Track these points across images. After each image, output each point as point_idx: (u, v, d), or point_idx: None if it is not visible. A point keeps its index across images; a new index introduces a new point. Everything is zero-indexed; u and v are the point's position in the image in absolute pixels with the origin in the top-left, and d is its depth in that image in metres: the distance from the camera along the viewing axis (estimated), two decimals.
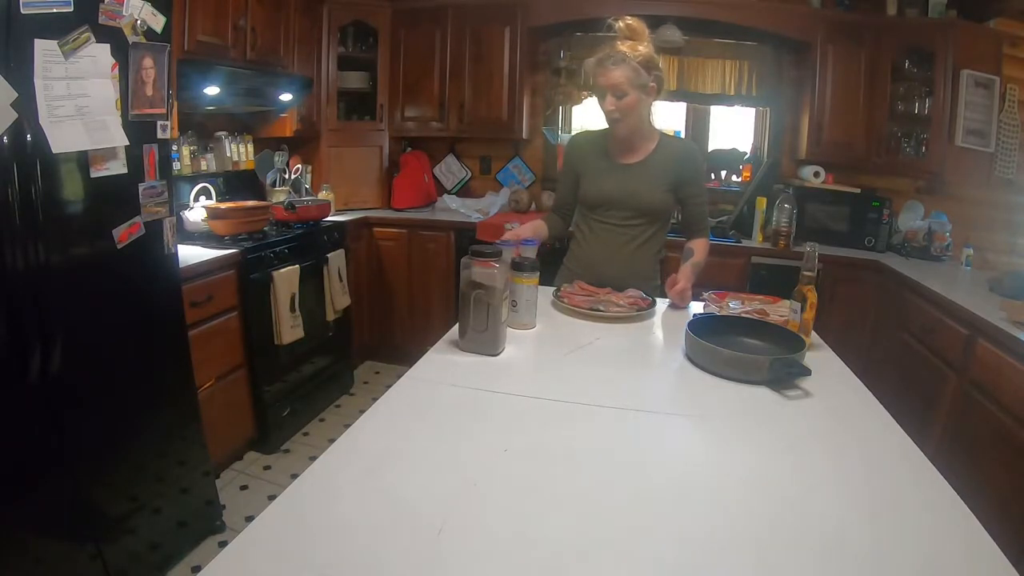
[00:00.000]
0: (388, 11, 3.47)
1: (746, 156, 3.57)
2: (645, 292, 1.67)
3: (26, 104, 1.29)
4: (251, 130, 3.18)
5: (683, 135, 3.60)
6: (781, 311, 1.49)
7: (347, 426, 0.96)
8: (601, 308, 1.56)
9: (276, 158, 3.25)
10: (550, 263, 1.68)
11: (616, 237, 1.76)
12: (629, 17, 1.62)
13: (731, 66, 3.44)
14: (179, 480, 1.86)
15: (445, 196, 3.73)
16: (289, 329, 2.49)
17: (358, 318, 3.29)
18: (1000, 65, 2.88)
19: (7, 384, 1.33)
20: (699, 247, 1.79)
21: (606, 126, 1.70)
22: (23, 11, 1.27)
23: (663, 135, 1.77)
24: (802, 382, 1.18)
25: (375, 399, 1.07)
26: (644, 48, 1.60)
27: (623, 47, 1.59)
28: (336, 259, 2.86)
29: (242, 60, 2.61)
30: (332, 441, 0.89)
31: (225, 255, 2.26)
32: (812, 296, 1.34)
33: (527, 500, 0.78)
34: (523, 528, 0.72)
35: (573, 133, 3.73)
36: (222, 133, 2.95)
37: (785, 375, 1.15)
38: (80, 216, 1.48)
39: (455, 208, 3.61)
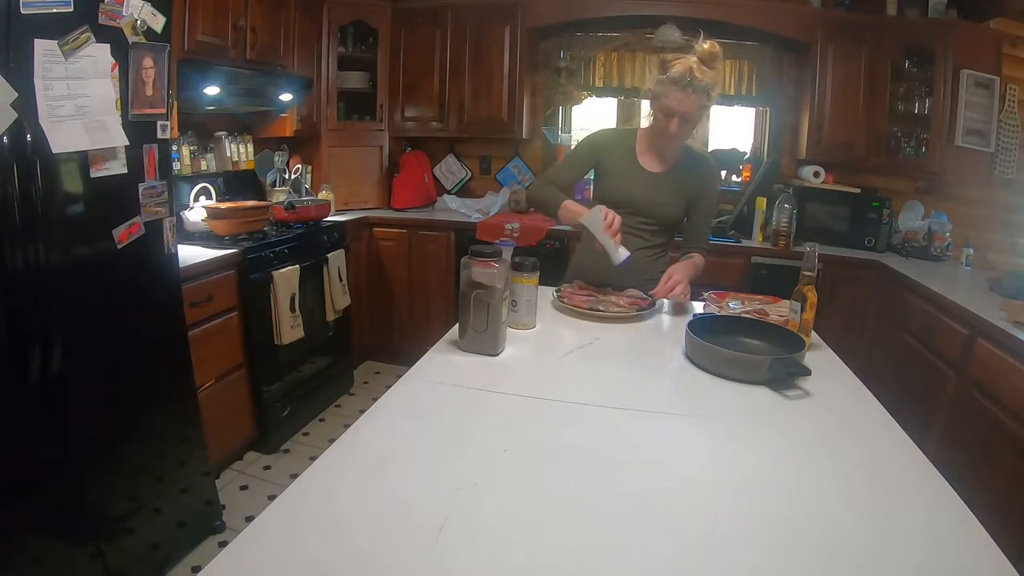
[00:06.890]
0: (388, 11, 3.47)
1: (746, 156, 3.57)
2: (647, 292, 1.67)
3: (26, 104, 1.29)
4: (251, 130, 3.18)
5: None
6: (781, 311, 1.49)
7: (347, 426, 0.96)
8: (601, 308, 1.56)
9: (276, 158, 3.25)
10: (551, 264, 1.67)
11: (629, 240, 1.74)
12: (711, 42, 1.53)
13: (731, 66, 3.44)
14: (179, 480, 1.85)
15: (445, 196, 3.73)
16: (289, 329, 2.49)
17: (358, 318, 3.29)
18: (1000, 65, 2.88)
19: (7, 384, 1.33)
20: (698, 259, 1.78)
21: (628, 127, 1.67)
22: (23, 11, 1.27)
23: (686, 145, 1.74)
24: (802, 382, 1.18)
25: (375, 399, 1.07)
26: (715, 73, 1.54)
27: (699, 72, 1.50)
28: (336, 259, 2.86)
29: (242, 60, 2.61)
30: (332, 441, 0.89)
31: (225, 255, 2.26)
32: (812, 296, 1.34)
33: (527, 500, 0.78)
34: (523, 528, 0.72)
35: (573, 132, 3.75)
36: (222, 133, 2.95)
37: (785, 375, 1.15)
38: (80, 216, 1.48)
39: (455, 208, 3.61)
